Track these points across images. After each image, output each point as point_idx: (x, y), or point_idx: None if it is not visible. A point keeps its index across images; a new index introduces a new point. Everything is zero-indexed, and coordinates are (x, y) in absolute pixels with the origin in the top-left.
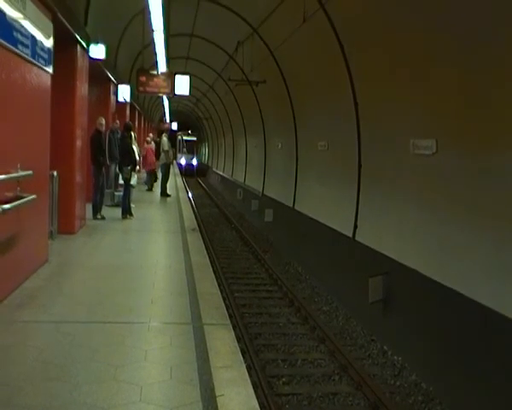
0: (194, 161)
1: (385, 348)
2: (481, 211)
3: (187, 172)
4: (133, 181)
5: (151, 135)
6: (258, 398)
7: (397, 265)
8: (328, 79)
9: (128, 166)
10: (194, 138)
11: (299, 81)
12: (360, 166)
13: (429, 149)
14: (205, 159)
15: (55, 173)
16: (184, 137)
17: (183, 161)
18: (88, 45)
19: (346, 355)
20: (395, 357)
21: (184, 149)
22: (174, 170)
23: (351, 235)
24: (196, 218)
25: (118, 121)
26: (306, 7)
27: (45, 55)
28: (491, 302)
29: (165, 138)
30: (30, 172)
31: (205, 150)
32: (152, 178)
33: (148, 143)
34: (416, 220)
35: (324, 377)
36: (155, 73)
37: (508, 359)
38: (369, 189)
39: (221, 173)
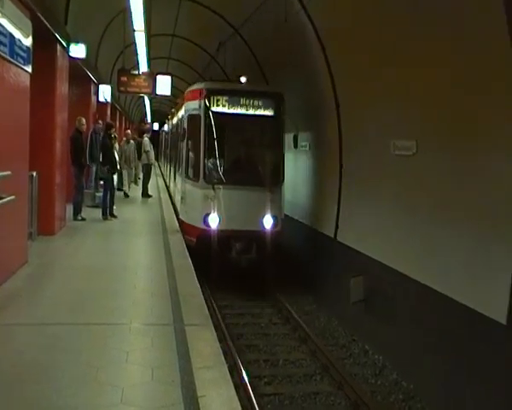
0: (268, 221)
1: (366, 347)
2: (462, 211)
3: (227, 267)
4: (125, 188)
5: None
6: (240, 399)
7: (378, 265)
8: (308, 79)
9: (106, 166)
10: (271, 114)
11: (282, 81)
12: (341, 166)
13: (409, 150)
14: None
15: (34, 174)
16: (222, 109)
17: (214, 221)
18: (68, 44)
19: (327, 355)
20: (376, 356)
21: (225, 165)
22: (156, 170)
23: (332, 235)
24: None
25: (101, 122)
26: (288, 7)
27: (24, 54)
28: (472, 302)
29: (146, 138)
30: (8, 172)
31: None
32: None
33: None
34: (398, 220)
35: (306, 377)
36: (136, 73)
37: (491, 358)
38: (350, 189)
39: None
